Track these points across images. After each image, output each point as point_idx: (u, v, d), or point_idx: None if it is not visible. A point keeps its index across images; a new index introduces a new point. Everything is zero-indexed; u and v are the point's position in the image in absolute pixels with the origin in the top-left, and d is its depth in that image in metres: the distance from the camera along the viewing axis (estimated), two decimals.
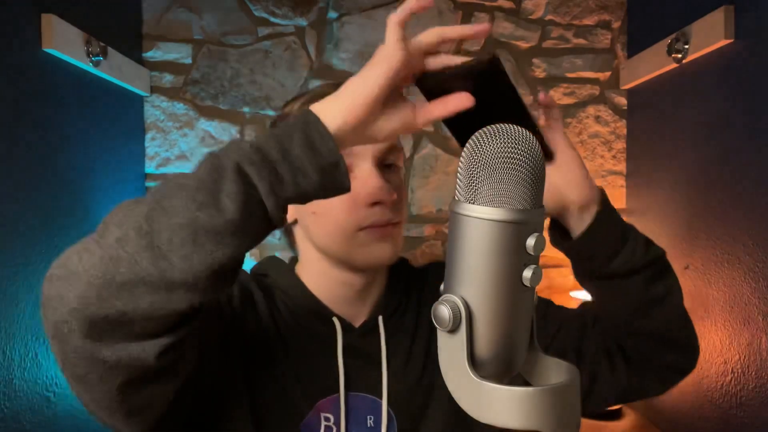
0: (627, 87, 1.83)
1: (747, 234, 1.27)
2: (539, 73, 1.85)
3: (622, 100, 1.86)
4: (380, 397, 0.70)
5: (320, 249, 0.72)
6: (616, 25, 1.86)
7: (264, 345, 0.69)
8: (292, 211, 0.75)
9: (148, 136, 1.75)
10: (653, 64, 1.62)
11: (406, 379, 0.72)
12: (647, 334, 0.71)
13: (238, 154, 0.47)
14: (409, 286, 0.79)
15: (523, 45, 1.84)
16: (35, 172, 1.23)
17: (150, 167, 1.75)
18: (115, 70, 1.51)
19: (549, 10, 1.84)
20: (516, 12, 1.84)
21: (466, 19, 1.82)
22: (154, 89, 1.75)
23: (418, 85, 0.57)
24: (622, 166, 1.87)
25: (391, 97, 0.52)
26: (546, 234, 0.68)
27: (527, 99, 1.84)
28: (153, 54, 1.74)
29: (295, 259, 0.81)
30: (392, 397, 0.70)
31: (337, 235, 0.68)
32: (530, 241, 0.40)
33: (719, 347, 1.36)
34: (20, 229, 1.17)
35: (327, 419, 0.68)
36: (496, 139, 0.40)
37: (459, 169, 0.43)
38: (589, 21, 1.85)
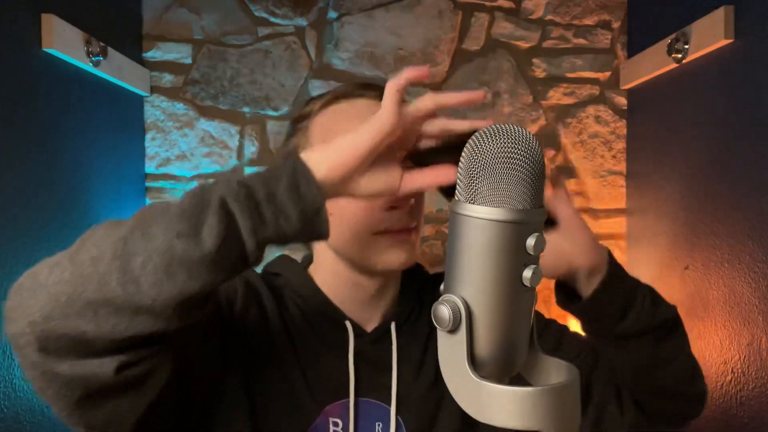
0: (627, 87, 1.83)
1: (747, 234, 1.27)
2: (539, 73, 1.85)
3: (622, 100, 1.86)
4: (389, 404, 0.69)
5: (335, 250, 0.71)
6: (616, 25, 1.86)
7: (270, 346, 0.69)
8: None
9: (148, 136, 1.75)
10: (653, 64, 1.62)
11: (417, 387, 0.71)
12: (656, 388, 0.72)
13: (225, 189, 0.47)
14: (423, 292, 0.78)
15: (523, 45, 1.84)
16: (35, 172, 1.23)
17: (150, 167, 1.75)
18: (115, 70, 1.51)
19: (549, 10, 1.84)
20: (516, 12, 1.83)
21: (466, 20, 1.82)
22: (154, 89, 1.75)
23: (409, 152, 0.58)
24: (622, 166, 1.87)
25: (382, 158, 0.53)
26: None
27: (527, 99, 1.84)
28: (153, 54, 1.74)
29: (307, 259, 0.80)
30: (401, 405, 0.69)
31: (353, 238, 0.68)
32: (530, 241, 0.40)
33: (719, 347, 1.36)
34: (20, 229, 1.17)
35: (335, 424, 0.67)
36: (496, 139, 0.40)
37: (459, 169, 0.43)
38: (589, 21, 1.85)
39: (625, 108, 1.86)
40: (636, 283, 0.69)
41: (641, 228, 1.77)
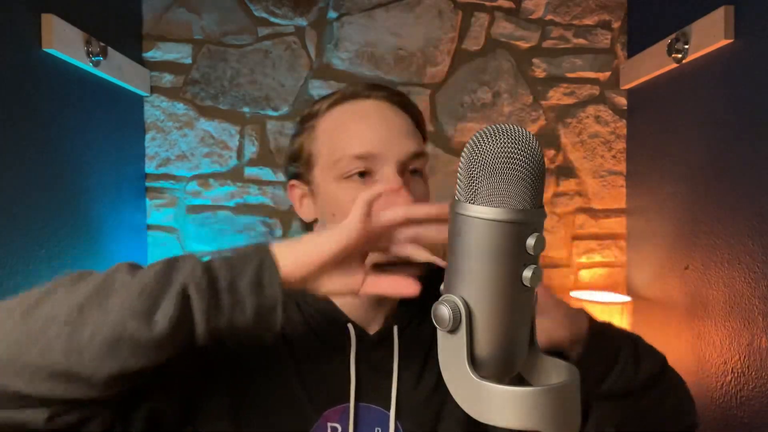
0: (627, 87, 1.83)
1: (747, 234, 1.27)
2: (539, 73, 1.85)
3: (622, 100, 1.86)
4: (389, 409, 0.69)
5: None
6: (616, 25, 1.86)
7: (262, 353, 0.68)
8: (314, 210, 0.75)
9: (148, 136, 1.75)
10: (653, 64, 1.62)
11: (418, 393, 0.70)
12: (643, 426, 0.73)
13: (189, 275, 0.49)
14: (428, 294, 0.78)
15: (523, 45, 1.84)
16: (35, 172, 1.23)
17: (150, 167, 1.75)
18: (115, 70, 1.51)
19: (549, 10, 1.84)
20: (516, 12, 1.84)
21: (466, 19, 1.82)
22: (154, 89, 1.75)
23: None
24: (622, 166, 1.87)
25: (348, 260, 0.55)
26: None
27: (527, 99, 1.84)
28: (153, 54, 1.74)
29: None
30: (401, 411, 0.69)
31: None
32: (530, 241, 0.40)
33: (719, 347, 1.36)
34: (20, 229, 1.17)
35: (334, 429, 0.67)
36: (496, 139, 0.40)
37: (459, 168, 0.43)
38: (589, 21, 1.85)
39: (625, 108, 1.87)
40: (619, 344, 0.69)
41: (641, 228, 1.77)
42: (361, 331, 0.71)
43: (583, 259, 1.83)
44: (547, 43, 1.85)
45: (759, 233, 1.23)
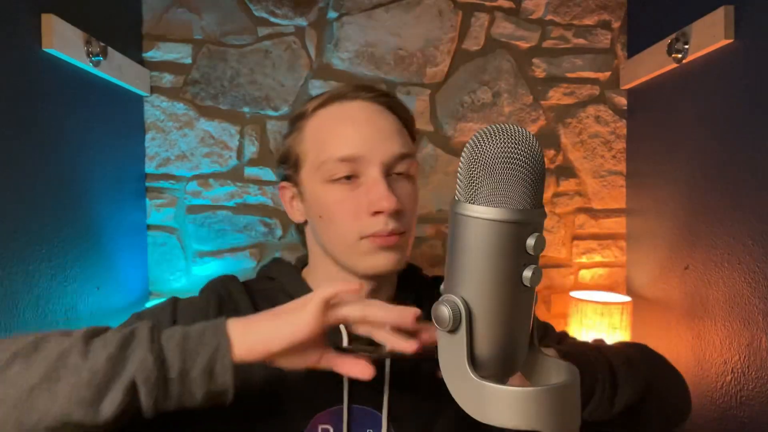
0: (627, 87, 1.83)
1: (747, 234, 1.27)
2: (539, 73, 1.85)
3: (622, 100, 1.86)
4: (382, 411, 0.68)
5: (326, 252, 0.71)
6: (616, 25, 1.86)
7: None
8: (303, 212, 0.75)
9: (148, 136, 1.75)
10: (653, 64, 1.62)
11: (412, 395, 0.69)
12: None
13: (139, 366, 0.50)
14: (421, 297, 0.77)
15: (523, 45, 1.84)
16: (35, 172, 1.23)
17: (150, 167, 1.75)
18: (115, 70, 1.51)
19: (549, 10, 1.84)
20: (516, 12, 1.83)
21: (466, 19, 1.82)
22: (154, 89, 1.75)
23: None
24: (622, 166, 1.87)
25: (302, 345, 0.56)
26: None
27: (527, 99, 1.84)
28: (153, 54, 1.74)
29: (301, 260, 0.80)
30: (394, 413, 0.68)
31: (340, 241, 0.68)
32: (530, 241, 0.40)
33: (719, 347, 1.36)
34: (20, 229, 1.17)
35: (326, 431, 0.67)
36: (496, 139, 0.40)
37: (459, 169, 0.43)
38: (589, 21, 1.85)
39: (625, 108, 1.87)
40: (595, 376, 0.67)
41: (641, 228, 1.77)
42: (352, 333, 0.71)
43: (583, 259, 1.83)
44: (547, 43, 1.85)
45: (759, 233, 1.23)
